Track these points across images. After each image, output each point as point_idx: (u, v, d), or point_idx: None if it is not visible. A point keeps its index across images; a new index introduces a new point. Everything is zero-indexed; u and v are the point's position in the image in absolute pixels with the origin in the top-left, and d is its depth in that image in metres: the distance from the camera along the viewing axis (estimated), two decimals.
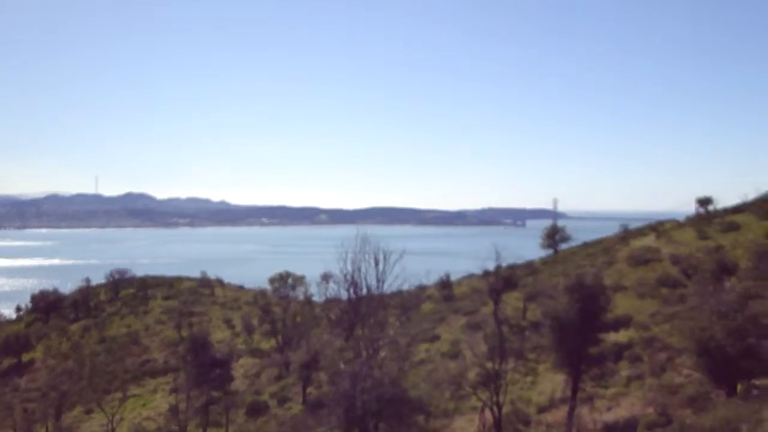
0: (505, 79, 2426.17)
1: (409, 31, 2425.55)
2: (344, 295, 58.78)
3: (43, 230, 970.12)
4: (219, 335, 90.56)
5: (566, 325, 38.07)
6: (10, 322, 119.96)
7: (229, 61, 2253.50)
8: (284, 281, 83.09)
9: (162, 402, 68.02)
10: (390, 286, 54.69)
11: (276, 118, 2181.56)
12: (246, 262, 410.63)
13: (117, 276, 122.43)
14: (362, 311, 51.38)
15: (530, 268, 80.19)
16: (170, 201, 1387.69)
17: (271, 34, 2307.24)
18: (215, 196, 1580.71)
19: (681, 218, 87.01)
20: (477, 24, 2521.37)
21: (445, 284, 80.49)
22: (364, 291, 54.68)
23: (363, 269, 49.27)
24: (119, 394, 68.59)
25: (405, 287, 59.13)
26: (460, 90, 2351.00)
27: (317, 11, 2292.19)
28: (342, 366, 42.00)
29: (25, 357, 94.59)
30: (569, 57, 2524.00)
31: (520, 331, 54.81)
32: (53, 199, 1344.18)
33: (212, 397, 56.89)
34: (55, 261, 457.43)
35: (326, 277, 66.06)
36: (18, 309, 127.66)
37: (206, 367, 57.61)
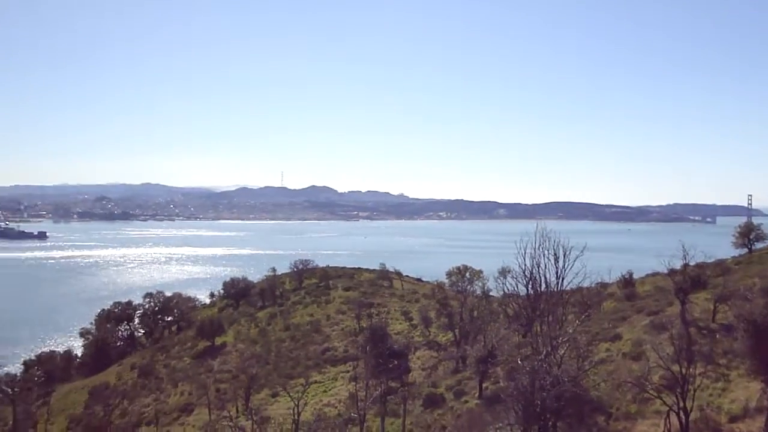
0: (695, 73, 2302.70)
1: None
2: (522, 291, 57.74)
3: (234, 221, 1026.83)
4: (397, 327, 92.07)
5: (763, 330, 35.45)
6: (205, 306, 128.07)
7: (409, 58, 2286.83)
8: (462, 275, 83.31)
9: (342, 389, 69.98)
10: (570, 282, 53.13)
11: (453, 113, 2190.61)
12: (424, 255, 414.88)
13: (301, 266, 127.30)
14: (541, 307, 50.23)
15: (721, 267, 75.43)
16: (351, 194, 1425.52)
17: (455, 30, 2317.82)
18: (394, 189, 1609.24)
19: None
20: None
21: (627, 282, 77.62)
22: (543, 287, 53.50)
23: (542, 265, 48.06)
24: (302, 380, 71.28)
25: (585, 284, 57.35)
26: (648, 84, 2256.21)
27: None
28: (520, 362, 41.34)
29: (218, 340, 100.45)
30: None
31: (710, 334, 51.69)
32: (243, 191, 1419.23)
33: (390, 387, 57.85)
34: (245, 251, 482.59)
35: (504, 272, 65.28)
36: (211, 295, 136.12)
37: (385, 358, 58.62)
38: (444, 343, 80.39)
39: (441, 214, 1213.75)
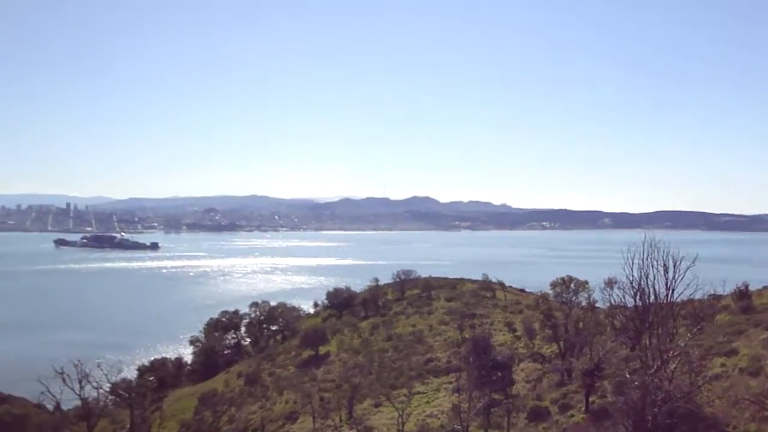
0: None
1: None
2: (630, 302, 55.99)
3: (337, 232, 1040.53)
4: (500, 338, 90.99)
5: None
6: (309, 316, 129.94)
7: (509, 68, 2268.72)
8: (566, 286, 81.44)
9: (445, 401, 69.55)
10: (680, 294, 51.22)
11: (557, 121, 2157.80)
12: (527, 265, 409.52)
13: (403, 276, 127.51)
14: (650, 319, 48.59)
15: None
16: (453, 204, 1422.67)
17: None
18: (496, 199, 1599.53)
19: None
20: None
21: (743, 294, 74.32)
22: (652, 298, 51.75)
23: (651, 276, 46.49)
24: (405, 391, 71.21)
25: (697, 296, 55.15)
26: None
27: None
28: (628, 376, 40.05)
29: (322, 349, 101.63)
30: None
31: None
32: (346, 202, 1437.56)
33: (494, 399, 57.13)
34: (347, 261, 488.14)
35: (610, 283, 63.54)
36: (315, 304, 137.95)
37: (488, 369, 58.00)
38: (548, 355, 78.87)
39: (544, 224, 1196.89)
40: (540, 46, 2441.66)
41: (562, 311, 76.87)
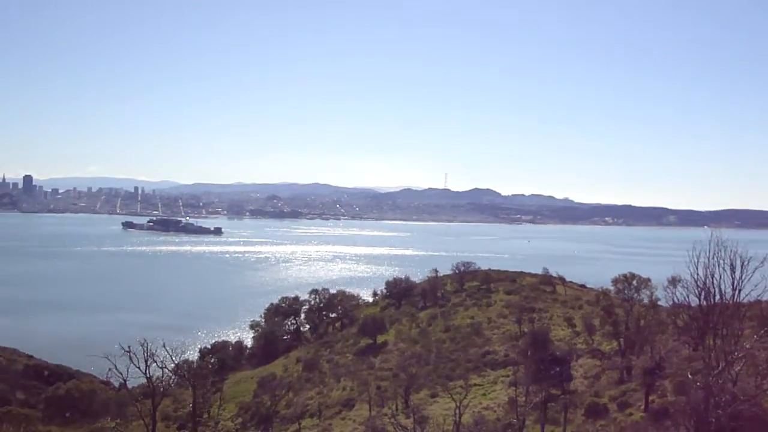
0: None
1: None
2: (694, 302, 54.95)
3: (398, 222, 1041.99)
4: (559, 333, 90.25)
5: None
6: (367, 305, 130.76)
7: (567, 61, 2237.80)
8: (628, 283, 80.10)
9: (501, 394, 69.38)
10: (747, 295, 50.10)
11: (622, 115, 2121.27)
12: (588, 261, 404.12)
13: (462, 268, 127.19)
14: (714, 320, 47.72)
15: None
16: (515, 197, 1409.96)
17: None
18: (559, 193, 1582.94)
19: None
20: None
21: None
22: (717, 298, 50.72)
23: (717, 275, 45.63)
24: (461, 382, 71.19)
25: (765, 298, 53.87)
26: None
27: None
28: (690, 376, 39.37)
29: (380, 338, 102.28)
30: None
31: None
32: (407, 192, 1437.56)
33: (551, 394, 56.81)
34: (407, 251, 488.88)
35: (674, 281, 62.41)
36: (374, 294, 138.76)
37: (546, 364, 57.67)
38: (608, 352, 77.89)
39: (607, 219, 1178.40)
40: (605, 40, 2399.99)
41: (623, 308, 75.78)
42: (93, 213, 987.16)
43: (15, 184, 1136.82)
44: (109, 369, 55.21)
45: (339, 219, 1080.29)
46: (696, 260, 49.05)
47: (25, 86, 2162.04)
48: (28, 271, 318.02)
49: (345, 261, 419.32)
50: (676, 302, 61.69)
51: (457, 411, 48.43)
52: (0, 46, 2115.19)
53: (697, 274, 51.66)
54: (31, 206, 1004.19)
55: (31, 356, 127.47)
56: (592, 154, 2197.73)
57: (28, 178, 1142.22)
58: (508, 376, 74.09)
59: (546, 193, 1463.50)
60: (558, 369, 58.68)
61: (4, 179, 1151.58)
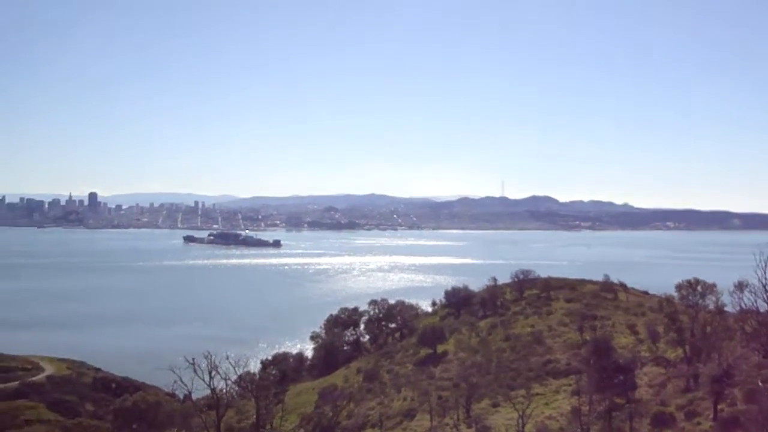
0: None
1: None
2: (762, 307, 53.59)
3: (455, 230, 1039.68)
4: (622, 341, 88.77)
5: None
6: (426, 315, 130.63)
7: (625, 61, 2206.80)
8: (693, 288, 78.49)
9: (564, 403, 68.52)
10: None
11: (679, 120, 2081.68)
12: (650, 267, 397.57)
13: (521, 276, 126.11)
14: None
15: None
16: (573, 204, 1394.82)
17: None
18: (618, 199, 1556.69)
19: None
20: None
21: None
22: None
23: None
24: (523, 392, 70.57)
25: None
26: None
27: None
28: (761, 384, 38.39)
29: (440, 348, 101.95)
30: None
31: None
32: (464, 201, 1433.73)
33: (615, 403, 55.89)
34: (466, 260, 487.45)
35: (741, 286, 60.91)
36: (433, 303, 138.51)
37: (609, 372, 56.80)
38: (673, 360, 76.35)
39: (668, 224, 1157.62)
40: (663, 40, 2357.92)
41: (687, 315, 74.30)
42: (155, 228, 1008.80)
43: (81, 201, 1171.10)
44: (174, 381, 56.36)
45: (396, 229, 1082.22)
46: (763, 264, 47.89)
47: (91, 109, 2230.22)
48: (94, 286, 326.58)
49: (403, 271, 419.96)
50: (743, 308, 60.22)
51: (520, 421, 48.19)
52: (68, 73, 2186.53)
53: (765, 279, 50.43)
54: (96, 222, 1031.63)
55: (99, 369, 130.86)
56: (651, 158, 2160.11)
57: (93, 195, 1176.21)
58: (570, 385, 73.10)
59: (605, 198, 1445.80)
60: (622, 377, 57.71)
61: (70, 197, 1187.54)
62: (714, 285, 77.91)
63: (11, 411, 57.85)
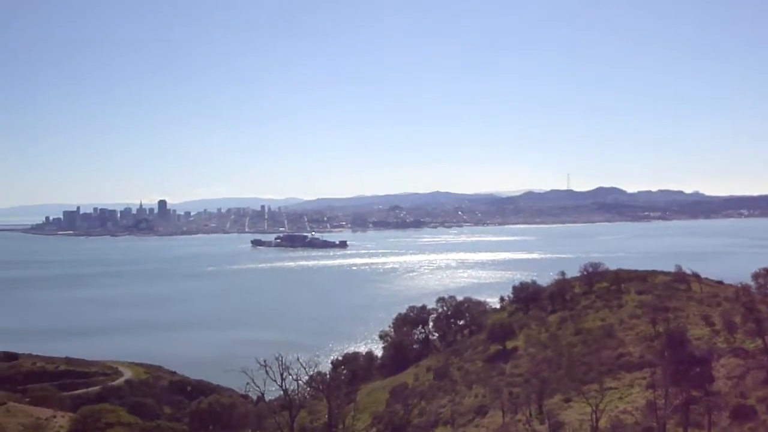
0: None
1: None
2: None
3: (520, 225, 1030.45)
4: (697, 332, 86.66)
5: None
6: (495, 311, 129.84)
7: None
8: None
9: (638, 397, 67.33)
10: None
11: (746, 99, 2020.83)
12: (724, 256, 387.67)
13: (590, 269, 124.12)
14: None
15: None
16: (641, 194, 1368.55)
17: None
18: (688, 187, 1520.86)
19: None
20: None
21: None
22: None
23: None
24: (595, 386, 69.59)
25: None
26: None
27: None
28: None
29: (509, 344, 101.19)
30: None
31: None
32: (529, 196, 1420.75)
33: (692, 396, 54.68)
34: (533, 255, 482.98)
35: None
36: (501, 299, 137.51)
37: (685, 365, 55.55)
38: (752, 351, 74.28)
39: (742, 212, 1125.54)
40: (722, 30, 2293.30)
41: (766, 304, 72.27)
42: (223, 233, 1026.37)
43: (151, 209, 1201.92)
44: (247, 383, 57.27)
45: (461, 226, 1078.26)
46: None
47: (158, 120, 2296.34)
48: (166, 292, 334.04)
49: (470, 268, 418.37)
50: None
51: (594, 415, 47.58)
52: (138, 91, 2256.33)
53: None
54: (166, 229, 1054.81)
55: (174, 372, 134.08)
56: (721, 143, 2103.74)
57: (162, 203, 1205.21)
58: (644, 378, 71.82)
59: (674, 188, 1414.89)
60: (698, 369, 56.36)
61: (141, 205, 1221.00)
62: None
63: (93, 415, 59.61)
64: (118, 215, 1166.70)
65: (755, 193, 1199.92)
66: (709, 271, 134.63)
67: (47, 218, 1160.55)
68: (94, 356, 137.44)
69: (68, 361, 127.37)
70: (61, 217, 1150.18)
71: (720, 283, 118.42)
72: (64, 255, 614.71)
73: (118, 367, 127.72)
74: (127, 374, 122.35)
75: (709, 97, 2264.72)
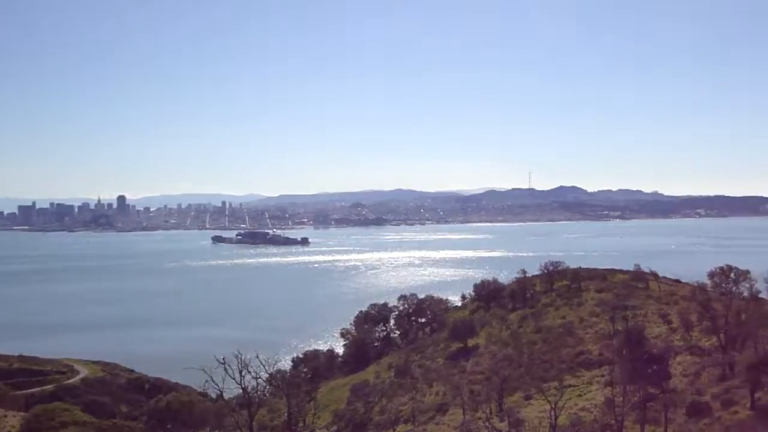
0: None
1: None
2: None
3: (483, 224, 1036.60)
4: (654, 330, 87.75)
5: None
6: (456, 308, 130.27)
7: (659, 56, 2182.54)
8: (726, 276, 77.41)
9: (597, 394, 67.94)
10: None
11: (708, 101, 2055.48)
12: (682, 255, 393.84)
13: (551, 268, 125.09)
14: None
15: None
16: (601, 193, 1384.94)
17: None
18: (647, 187, 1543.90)
19: None
20: None
21: None
22: None
23: None
24: (555, 383, 70.06)
25: None
26: None
27: None
28: None
29: (470, 342, 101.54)
30: None
31: None
32: (491, 194, 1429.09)
33: (649, 393, 55.24)
34: (494, 253, 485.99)
35: None
36: (463, 297, 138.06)
37: (642, 362, 56.08)
38: (708, 348, 75.36)
39: (699, 211, 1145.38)
40: (687, 33, 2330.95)
41: (721, 302, 73.30)
42: (184, 229, 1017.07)
43: (110, 205, 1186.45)
44: (206, 381, 56.53)
45: (424, 224, 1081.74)
46: None
47: (117, 114, 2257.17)
48: (125, 288, 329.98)
49: (432, 266, 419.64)
50: None
51: (553, 413, 47.76)
52: (95, 80, 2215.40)
53: None
54: (125, 225, 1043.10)
55: (132, 370, 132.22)
56: (680, 144, 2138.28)
57: (121, 199, 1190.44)
58: (603, 375, 72.50)
59: (634, 187, 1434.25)
60: (655, 367, 56.95)
61: (99, 200, 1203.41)
62: (747, 272, 76.75)
63: (46, 414, 58.24)
64: (76, 210, 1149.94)
65: (712, 194, 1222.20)
66: (666, 270, 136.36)
67: (1, 213, 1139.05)
68: (48, 354, 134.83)
69: (22, 359, 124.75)
70: (16, 212, 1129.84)
71: (677, 281, 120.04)
72: (19, 250, 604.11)
73: (73, 365, 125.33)
74: (83, 372, 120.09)
75: (669, 100, 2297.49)
